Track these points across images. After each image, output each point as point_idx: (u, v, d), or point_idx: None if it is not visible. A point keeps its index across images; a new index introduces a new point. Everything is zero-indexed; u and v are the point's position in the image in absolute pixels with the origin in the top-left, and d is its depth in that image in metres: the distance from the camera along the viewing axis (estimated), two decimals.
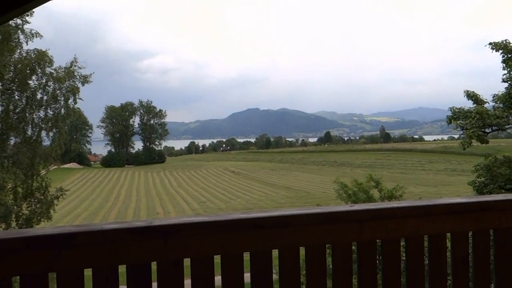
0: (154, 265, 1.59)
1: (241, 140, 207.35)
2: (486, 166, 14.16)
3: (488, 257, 2.01)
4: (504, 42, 14.23)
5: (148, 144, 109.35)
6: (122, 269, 1.58)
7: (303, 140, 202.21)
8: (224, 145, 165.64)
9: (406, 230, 1.88)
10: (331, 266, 1.82)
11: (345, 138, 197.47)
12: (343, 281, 1.79)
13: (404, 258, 1.92)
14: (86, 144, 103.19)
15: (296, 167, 79.12)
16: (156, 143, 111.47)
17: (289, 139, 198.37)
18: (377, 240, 1.88)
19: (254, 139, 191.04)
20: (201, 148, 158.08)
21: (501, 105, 14.51)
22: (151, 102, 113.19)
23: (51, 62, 16.87)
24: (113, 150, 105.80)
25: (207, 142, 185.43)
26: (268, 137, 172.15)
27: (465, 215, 1.93)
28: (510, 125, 14.56)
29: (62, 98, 17.26)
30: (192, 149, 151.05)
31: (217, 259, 1.67)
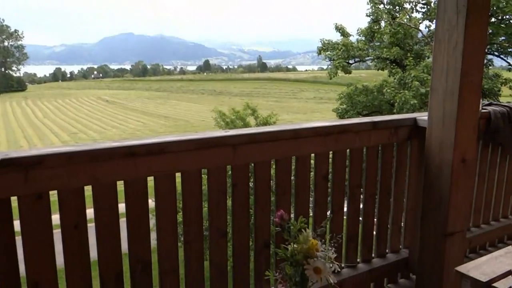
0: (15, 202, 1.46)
1: (115, 67, 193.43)
2: (347, 94, 15.63)
3: (344, 174, 2.29)
4: None
5: (3, 69, 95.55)
6: None
7: (181, 68, 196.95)
8: (95, 72, 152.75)
9: (276, 152, 2.01)
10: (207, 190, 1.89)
11: (224, 67, 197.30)
12: (218, 203, 1.88)
13: (274, 178, 2.08)
14: None
15: (175, 96, 77.51)
16: (14, 68, 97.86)
17: (167, 67, 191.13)
18: (250, 163, 1.99)
19: (130, 67, 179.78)
20: (69, 75, 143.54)
21: (363, 38, 15.84)
22: (3, 20, 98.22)
23: None
24: None
25: (75, 68, 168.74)
26: (145, 65, 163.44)
27: (327, 137, 2.13)
28: (370, 57, 16.10)
29: None
30: (58, 76, 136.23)
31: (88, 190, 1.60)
